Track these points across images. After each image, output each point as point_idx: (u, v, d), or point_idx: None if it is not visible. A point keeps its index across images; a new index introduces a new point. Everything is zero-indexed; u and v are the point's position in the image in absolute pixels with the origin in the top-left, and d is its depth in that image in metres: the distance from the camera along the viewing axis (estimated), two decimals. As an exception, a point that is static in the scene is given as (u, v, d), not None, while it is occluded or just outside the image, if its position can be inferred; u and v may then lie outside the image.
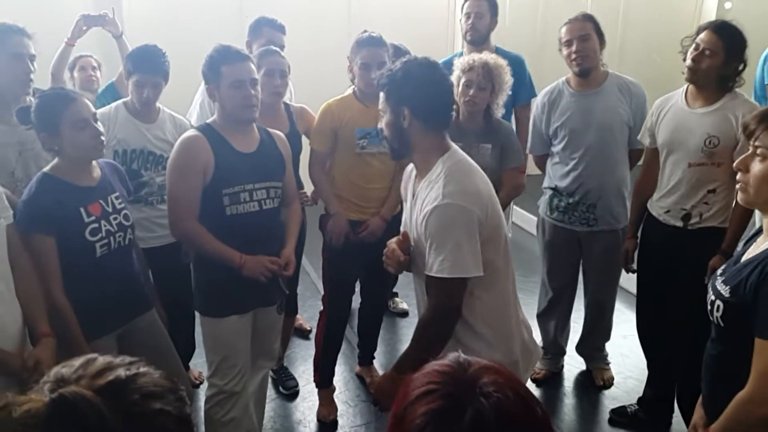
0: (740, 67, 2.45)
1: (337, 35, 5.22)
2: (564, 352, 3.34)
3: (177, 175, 2.20)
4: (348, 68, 2.78)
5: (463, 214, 1.68)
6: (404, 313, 3.95)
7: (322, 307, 3.01)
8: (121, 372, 0.79)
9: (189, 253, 2.63)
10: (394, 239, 1.92)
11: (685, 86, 2.60)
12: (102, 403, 0.74)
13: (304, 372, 3.32)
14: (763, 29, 5.83)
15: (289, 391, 3.16)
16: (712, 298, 1.53)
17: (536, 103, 3.06)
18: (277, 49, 2.83)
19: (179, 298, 2.61)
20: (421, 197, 1.78)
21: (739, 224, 2.48)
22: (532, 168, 3.48)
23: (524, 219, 5.14)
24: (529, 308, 3.91)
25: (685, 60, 2.51)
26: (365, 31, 2.73)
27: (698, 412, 1.68)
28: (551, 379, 3.28)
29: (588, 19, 2.85)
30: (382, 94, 1.83)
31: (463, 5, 3.48)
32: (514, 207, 4.91)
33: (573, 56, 2.82)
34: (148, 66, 2.65)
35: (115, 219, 2.11)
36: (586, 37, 2.78)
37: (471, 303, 1.76)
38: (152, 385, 0.80)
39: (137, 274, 2.27)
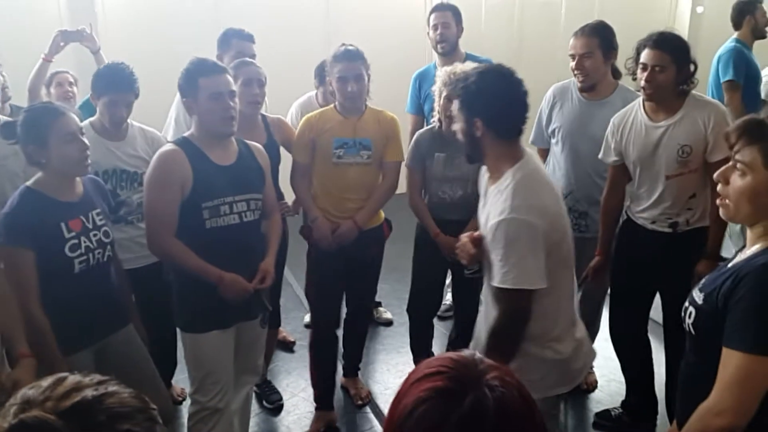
0: (692, 69, 2.46)
1: (315, 45, 5.22)
2: None
3: (154, 190, 2.18)
4: (327, 82, 2.79)
5: (528, 229, 1.74)
6: (388, 323, 3.94)
7: (305, 320, 3.00)
8: (89, 393, 0.79)
9: (170, 270, 2.61)
10: (467, 234, 1.99)
11: (640, 100, 2.59)
12: (64, 427, 0.74)
13: (288, 385, 3.30)
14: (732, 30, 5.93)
15: (273, 405, 3.13)
16: (686, 304, 1.53)
17: (546, 96, 3.05)
18: (253, 60, 2.82)
19: (162, 316, 2.57)
20: (490, 202, 1.87)
21: (718, 226, 2.51)
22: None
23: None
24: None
25: (634, 79, 2.52)
26: (342, 45, 2.74)
27: (674, 423, 1.65)
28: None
29: (595, 33, 2.80)
30: (456, 102, 1.91)
31: (429, 18, 3.52)
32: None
33: (575, 72, 2.83)
34: (120, 85, 2.60)
35: (95, 235, 2.11)
36: (588, 55, 2.77)
37: None
38: (120, 406, 0.79)
39: (115, 290, 2.26)
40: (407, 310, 3.11)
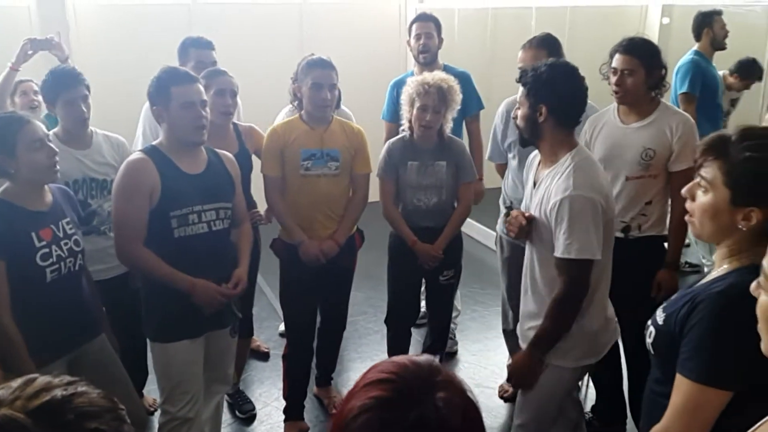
0: (663, 72, 2.55)
1: (289, 54, 5.22)
2: None
3: (122, 199, 2.17)
4: (292, 89, 2.78)
5: (590, 204, 1.93)
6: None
7: (280, 329, 2.98)
8: (58, 392, 0.80)
9: (138, 278, 2.58)
10: (516, 210, 2.20)
11: (616, 104, 2.67)
12: (33, 425, 0.75)
13: (261, 395, 3.28)
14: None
15: (245, 415, 3.11)
16: (649, 323, 1.54)
17: (498, 112, 3.11)
18: (225, 70, 2.82)
19: (132, 326, 2.55)
20: (545, 185, 2.04)
21: (678, 236, 2.56)
22: (489, 181, 3.55)
23: (480, 233, 5.21)
24: (485, 319, 4.00)
25: (610, 84, 2.59)
26: (313, 55, 2.74)
27: None
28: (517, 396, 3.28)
29: (543, 45, 2.88)
30: (522, 89, 2.07)
31: (411, 27, 3.57)
32: (470, 221, 4.96)
33: None
34: (68, 81, 2.56)
35: (65, 244, 2.10)
36: None
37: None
38: (88, 405, 0.80)
39: (87, 300, 2.24)
40: (385, 321, 3.11)
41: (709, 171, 1.39)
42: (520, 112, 2.09)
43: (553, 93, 1.99)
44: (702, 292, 1.36)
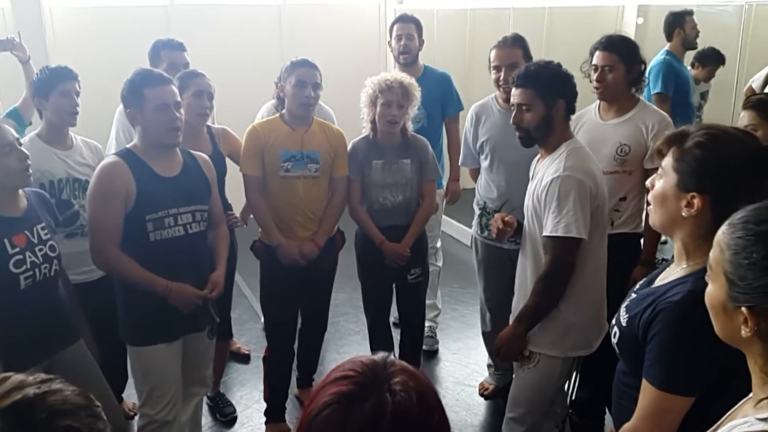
0: (642, 68, 2.62)
1: (269, 55, 5.23)
2: (512, 369, 3.38)
3: (97, 203, 2.16)
4: (276, 91, 2.78)
5: (578, 186, 2.02)
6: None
7: (260, 331, 2.97)
8: (30, 391, 0.80)
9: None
10: (500, 214, 2.33)
11: (597, 101, 2.73)
12: (3, 425, 0.76)
13: (242, 398, 3.27)
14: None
15: (226, 418, 3.10)
16: (613, 322, 1.57)
17: (467, 117, 3.13)
18: (202, 72, 2.81)
19: (112, 330, 2.53)
20: (541, 173, 2.13)
21: (653, 233, 2.59)
22: (466, 182, 3.58)
23: (459, 231, 5.24)
24: (466, 318, 4.02)
25: (591, 82, 2.65)
26: (297, 57, 2.75)
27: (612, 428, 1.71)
28: (498, 393, 3.28)
29: (517, 44, 2.90)
30: (530, 91, 2.12)
31: (392, 28, 3.58)
32: (446, 218, 4.98)
33: (501, 82, 2.89)
34: (66, 73, 2.58)
35: (40, 250, 2.07)
36: (514, 65, 2.82)
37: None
38: (62, 403, 0.81)
39: (63, 306, 2.21)
40: (365, 312, 3.13)
41: (666, 159, 1.44)
42: (530, 115, 2.14)
43: (567, 87, 2.12)
44: (662, 300, 1.40)
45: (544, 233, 2.07)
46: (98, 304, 2.53)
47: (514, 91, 2.18)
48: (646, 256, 2.64)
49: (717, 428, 1.07)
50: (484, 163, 3.04)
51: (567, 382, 2.86)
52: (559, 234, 2.02)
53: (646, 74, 4.07)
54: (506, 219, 2.27)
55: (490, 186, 2.98)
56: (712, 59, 4.46)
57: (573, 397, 3.01)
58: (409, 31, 3.52)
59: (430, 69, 3.63)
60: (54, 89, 2.54)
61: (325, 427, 0.82)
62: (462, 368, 3.53)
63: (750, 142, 1.40)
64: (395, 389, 0.83)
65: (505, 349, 2.24)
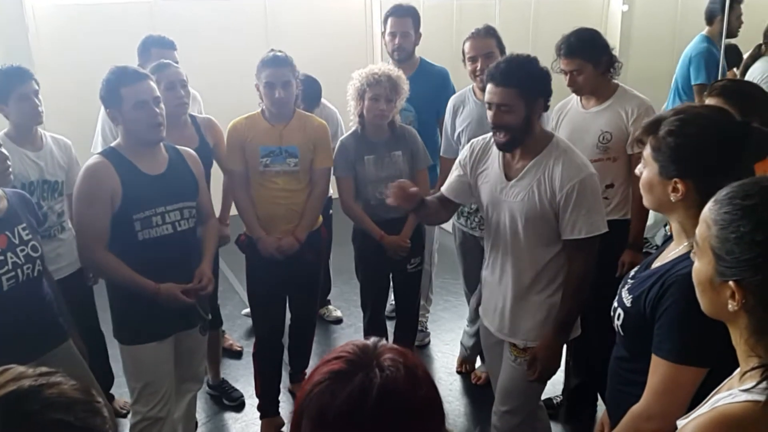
0: (609, 55, 2.60)
1: (253, 50, 5.18)
2: None
3: (83, 204, 2.15)
4: (255, 86, 2.78)
5: (596, 182, 2.05)
6: (338, 321, 3.97)
7: (243, 311, 2.95)
8: (26, 383, 0.81)
9: (94, 276, 2.56)
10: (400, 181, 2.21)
11: None
12: None
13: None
14: (662, 24, 6.19)
15: (235, 402, 3.15)
16: (615, 305, 1.58)
17: (447, 109, 3.13)
18: (169, 61, 2.78)
19: (88, 328, 2.53)
20: (534, 175, 2.05)
21: (640, 217, 2.62)
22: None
23: (450, 223, 5.23)
24: (458, 309, 4.02)
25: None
26: (271, 50, 2.73)
27: (605, 411, 1.73)
28: (490, 382, 3.30)
29: (490, 34, 2.91)
30: (511, 91, 2.00)
31: (386, 23, 3.37)
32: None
33: (478, 73, 2.88)
34: (21, 76, 2.54)
35: (22, 251, 2.04)
36: (489, 54, 2.84)
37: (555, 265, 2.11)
38: (57, 396, 0.81)
39: (49, 306, 2.18)
40: (362, 307, 3.12)
41: (646, 149, 1.47)
42: (512, 116, 2.01)
43: (547, 85, 2.06)
44: (670, 274, 1.41)
45: (579, 235, 2.01)
46: (67, 302, 2.51)
47: (492, 88, 2.02)
48: (634, 240, 2.65)
49: (705, 402, 1.09)
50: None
51: (566, 370, 2.90)
52: (600, 232, 2.03)
53: (681, 61, 4.01)
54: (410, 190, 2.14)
55: None
56: (731, 62, 4.27)
57: (566, 384, 3.05)
58: (404, 27, 3.31)
59: (426, 64, 3.44)
60: (11, 94, 2.51)
61: (317, 401, 0.86)
62: (454, 358, 3.55)
63: (720, 120, 1.43)
64: (384, 365, 0.87)
65: (547, 366, 2.12)
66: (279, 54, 2.66)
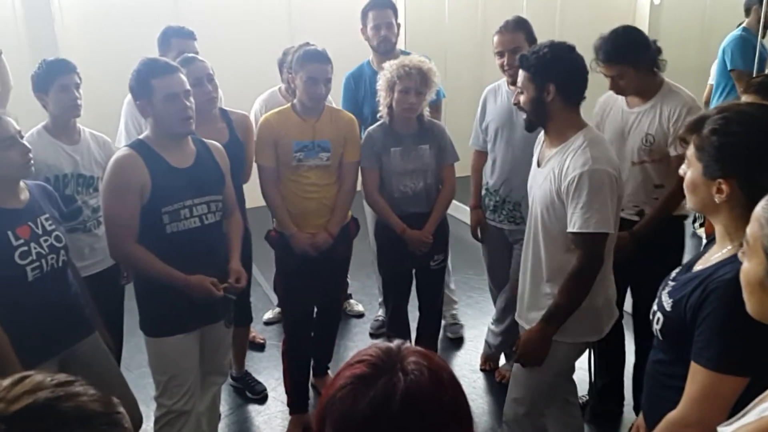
0: (652, 51, 2.49)
1: (278, 41, 5.16)
2: None
3: (113, 197, 2.15)
4: (287, 78, 2.75)
5: (608, 178, 1.96)
6: (360, 315, 3.95)
7: (265, 317, 2.95)
8: (42, 395, 0.78)
9: (128, 276, 2.56)
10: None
11: None
12: (9, 430, 0.74)
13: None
14: (691, 17, 6.05)
15: (258, 395, 3.15)
16: (654, 308, 1.54)
17: (480, 99, 3.10)
18: (194, 54, 2.76)
19: (112, 325, 2.52)
20: (553, 163, 2.03)
21: (656, 213, 2.54)
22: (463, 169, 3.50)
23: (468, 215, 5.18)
24: (482, 305, 3.98)
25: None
26: (308, 44, 2.70)
27: (641, 415, 1.69)
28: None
29: (519, 27, 2.85)
30: (525, 73, 2.05)
31: (366, 17, 3.38)
32: (457, 203, 4.93)
33: (506, 68, 2.84)
34: (65, 66, 2.55)
35: (45, 241, 2.04)
36: (516, 50, 2.75)
37: (569, 258, 2.03)
38: (74, 410, 0.78)
39: (75, 297, 2.19)
40: (384, 302, 3.08)
41: (690, 148, 1.44)
42: (524, 97, 2.08)
43: (560, 70, 2.01)
44: (713, 280, 1.38)
45: (573, 229, 1.97)
46: (96, 299, 2.51)
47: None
48: (638, 228, 2.56)
49: (748, 410, 1.06)
50: (489, 145, 3.02)
51: (589, 369, 2.86)
52: (591, 230, 1.95)
53: (720, 51, 3.91)
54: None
55: (493, 166, 2.99)
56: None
57: (592, 384, 3.01)
58: (387, 19, 3.32)
59: (406, 54, 3.41)
60: (53, 84, 2.52)
61: (339, 406, 0.85)
62: (478, 355, 3.51)
63: (766, 117, 1.39)
64: (408, 369, 0.86)
65: (528, 353, 2.11)
66: (321, 50, 2.63)
